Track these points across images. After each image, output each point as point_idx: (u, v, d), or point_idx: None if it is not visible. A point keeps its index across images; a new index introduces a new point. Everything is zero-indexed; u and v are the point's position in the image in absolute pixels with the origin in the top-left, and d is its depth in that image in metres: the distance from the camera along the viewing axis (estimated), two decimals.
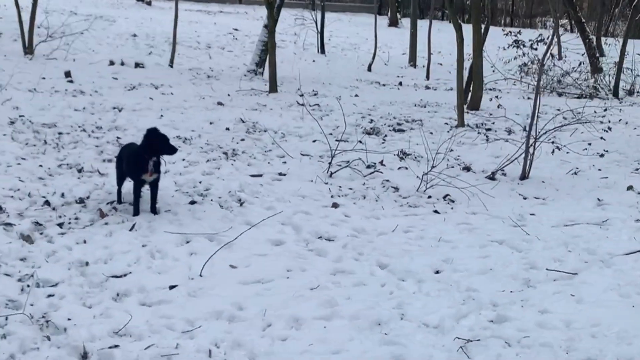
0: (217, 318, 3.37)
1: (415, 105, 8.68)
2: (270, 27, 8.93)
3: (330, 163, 5.66)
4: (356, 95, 9.14)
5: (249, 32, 15.94)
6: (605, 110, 7.79)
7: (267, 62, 8.73)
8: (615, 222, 4.61)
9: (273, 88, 8.81)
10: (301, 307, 3.45)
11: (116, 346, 3.08)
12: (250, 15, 20.64)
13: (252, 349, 3.08)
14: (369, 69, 11.67)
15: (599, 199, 5.11)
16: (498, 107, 8.09)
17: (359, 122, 7.43)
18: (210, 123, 7.05)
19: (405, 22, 21.60)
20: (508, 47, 9.16)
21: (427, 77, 11.25)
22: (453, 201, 5.11)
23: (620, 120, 8.16)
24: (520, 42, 8.58)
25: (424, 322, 3.31)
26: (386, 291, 3.68)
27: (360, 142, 6.25)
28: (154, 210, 4.57)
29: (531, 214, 4.83)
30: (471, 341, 3.09)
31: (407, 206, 5.07)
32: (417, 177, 5.58)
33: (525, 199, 5.20)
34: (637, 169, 5.93)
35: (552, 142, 6.04)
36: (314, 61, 12.21)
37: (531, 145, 5.57)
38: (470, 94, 8.42)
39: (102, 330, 3.21)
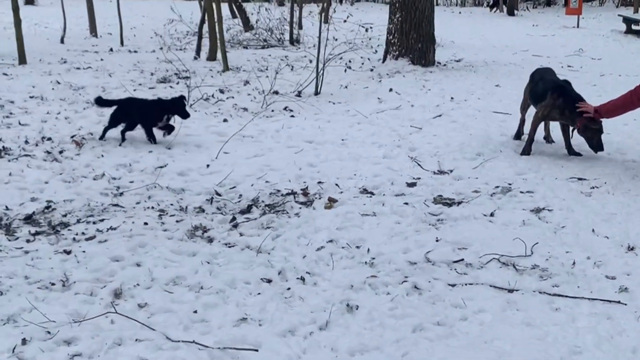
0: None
1: (161, 62, 10.81)
2: None
3: (189, 95, 7.76)
4: (101, 60, 10.83)
5: None
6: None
7: None
8: (403, 107, 7.92)
9: None
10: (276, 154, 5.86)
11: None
12: None
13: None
14: (62, 42, 13.07)
15: (378, 98, 8.38)
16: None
17: (145, 76, 9.39)
18: None
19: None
20: None
21: (122, 44, 13.25)
22: (292, 110, 7.78)
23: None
24: None
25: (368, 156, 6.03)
26: (316, 152, 6.23)
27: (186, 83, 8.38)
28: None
29: (347, 110, 7.82)
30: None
31: (265, 117, 7.54)
32: (251, 101, 8.08)
33: (334, 103, 8.16)
34: (380, 80, 9.42)
35: (345, 64, 9.17)
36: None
37: (320, 70, 8.55)
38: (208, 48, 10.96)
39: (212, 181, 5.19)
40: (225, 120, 7.11)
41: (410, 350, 3.00)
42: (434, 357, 2.96)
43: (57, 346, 2.88)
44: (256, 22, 14.53)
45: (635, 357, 2.95)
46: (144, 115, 6.13)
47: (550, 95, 5.64)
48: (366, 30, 9.64)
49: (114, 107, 6.25)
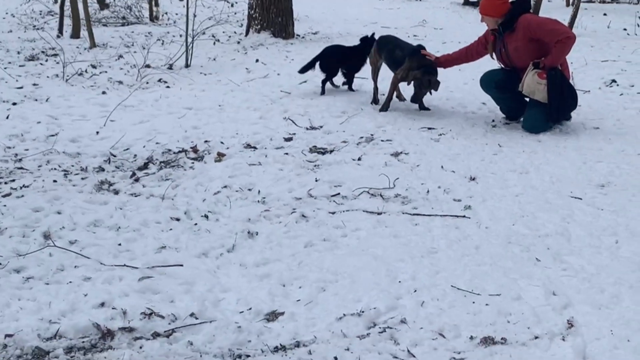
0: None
1: (24, 41, 10.91)
2: None
3: (64, 71, 8.12)
4: None
5: None
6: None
7: None
8: (270, 76, 8.63)
9: None
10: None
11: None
12: None
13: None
14: None
15: (247, 68, 9.06)
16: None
17: (12, 55, 9.55)
18: None
19: None
20: None
21: None
22: (166, 82, 8.32)
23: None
24: None
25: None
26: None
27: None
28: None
29: (219, 80, 8.45)
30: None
31: (141, 89, 8.03)
32: (125, 74, 8.54)
33: (205, 74, 8.76)
34: (245, 52, 10.08)
35: (213, 36, 9.72)
36: None
37: (190, 44, 9.11)
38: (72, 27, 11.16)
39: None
40: (104, 93, 7.55)
41: (304, 259, 3.76)
42: (324, 262, 3.73)
43: (9, 273, 3.41)
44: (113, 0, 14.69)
45: (478, 252, 3.85)
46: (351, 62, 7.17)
47: (408, 59, 6.54)
48: (231, 5, 10.21)
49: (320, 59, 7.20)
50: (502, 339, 3.01)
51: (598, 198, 4.58)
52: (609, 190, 4.72)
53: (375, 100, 7.06)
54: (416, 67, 6.39)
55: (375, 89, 7.08)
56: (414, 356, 2.89)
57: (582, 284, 3.46)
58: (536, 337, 3.02)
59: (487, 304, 3.27)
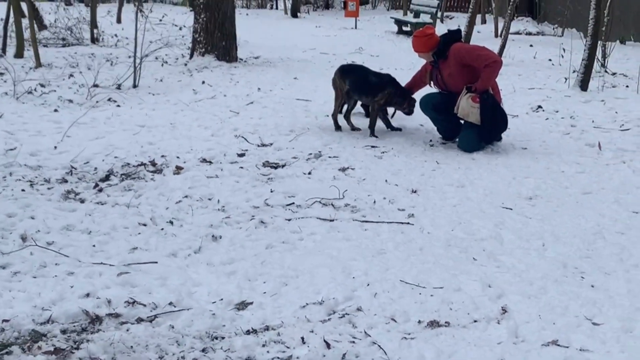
0: None
1: None
2: None
3: (14, 89, 8.35)
4: None
5: None
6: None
7: None
8: (217, 97, 9.05)
9: None
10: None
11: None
12: None
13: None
14: None
15: (193, 89, 9.44)
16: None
17: None
18: None
19: None
20: None
21: None
22: (116, 101, 8.64)
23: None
24: None
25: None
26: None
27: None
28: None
29: (168, 100, 8.82)
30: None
31: (92, 107, 8.32)
32: (75, 93, 8.84)
33: (154, 95, 9.10)
34: (191, 74, 10.47)
35: (156, 58, 10.06)
36: None
37: (138, 65, 9.46)
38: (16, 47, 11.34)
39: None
40: (56, 110, 7.82)
41: (266, 259, 4.18)
42: (285, 261, 4.15)
43: None
44: (55, 21, 14.86)
45: (422, 253, 4.34)
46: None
47: (380, 91, 7.05)
48: (180, 28, 10.59)
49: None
50: (445, 322, 3.47)
51: (526, 208, 5.14)
52: (536, 202, 5.28)
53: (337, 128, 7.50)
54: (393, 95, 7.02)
55: (336, 117, 7.54)
56: (370, 336, 3.32)
57: (514, 278, 3.97)
58: (475, 321, 3.49)
59: (432, 295, 3.74)
